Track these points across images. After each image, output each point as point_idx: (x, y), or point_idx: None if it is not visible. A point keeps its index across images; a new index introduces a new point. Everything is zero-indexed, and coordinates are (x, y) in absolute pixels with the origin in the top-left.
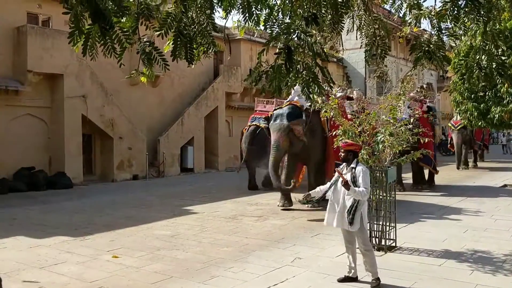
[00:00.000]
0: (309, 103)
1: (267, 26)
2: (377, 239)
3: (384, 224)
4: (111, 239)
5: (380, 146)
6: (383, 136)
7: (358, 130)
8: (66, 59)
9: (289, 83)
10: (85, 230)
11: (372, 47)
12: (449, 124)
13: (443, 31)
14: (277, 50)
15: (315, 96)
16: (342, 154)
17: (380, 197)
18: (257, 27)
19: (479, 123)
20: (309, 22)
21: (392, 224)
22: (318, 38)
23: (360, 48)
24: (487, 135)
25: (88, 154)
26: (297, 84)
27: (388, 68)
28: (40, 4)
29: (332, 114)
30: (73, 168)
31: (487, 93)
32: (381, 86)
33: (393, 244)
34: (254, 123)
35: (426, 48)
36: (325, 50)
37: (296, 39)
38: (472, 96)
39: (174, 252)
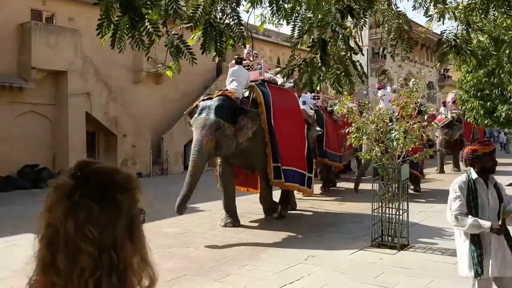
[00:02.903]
0: (247, 94)
1: (290, 21)
2: (389, 237)
3: (397, 222)
4: None
5: (394, 143)
6: (397, 133)
7: (372, 127)
8: (70, 56)
9: (321, 77)
10: None
11: (397, 41)
12: (433, 123)
13: (470, 26)
14: (310, 43)
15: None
16: (481, 162)
17: (393, 195)
18: (280, 22)
19: (485, 121)
20: (345, 14)
21: (405, 222)
22: (353, 31)
23: (381, 42)
24: (479, 134)
25: (92, 151)
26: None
27: (391, 67)
28: (44, 0)
29: (345, 111)
30: None
31: (493, 91)
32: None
33: (406, 242)
34: None
35: (453, 43)
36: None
37: (330, 31)
38: (478, 94)
39: (185, 249)
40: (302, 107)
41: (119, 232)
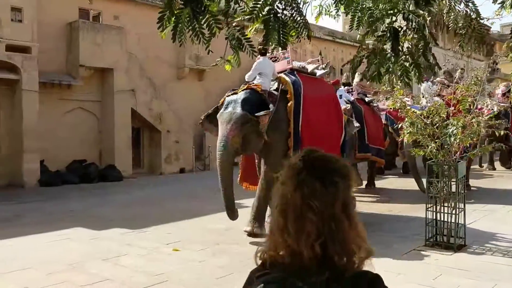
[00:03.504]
0: (276, 86)
1: (350, 11)
2: (444, 237)
3: (455, 221)
4: (167, 232)
5: (452, 139)
6: (455, 129)
7: (428, 122)
8: (116, 54)
9: (390, 69)
10: (141, 223)
11: (467, 30)
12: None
13: None
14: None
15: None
16: None
17: (449, 193)
18: (338, 13)
19: None
20: (420, 2)
21: (461, 222)
22: (428, 19)
23: (447, 32)
24: None
25: (136, 147)
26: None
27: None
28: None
29: (398, 105)
30: (122, 161)
31: None
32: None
33: (462, 243)
34: None
35: None
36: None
37: (402, 20)
38: None
39: (232, 246)
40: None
41: (337, 208)
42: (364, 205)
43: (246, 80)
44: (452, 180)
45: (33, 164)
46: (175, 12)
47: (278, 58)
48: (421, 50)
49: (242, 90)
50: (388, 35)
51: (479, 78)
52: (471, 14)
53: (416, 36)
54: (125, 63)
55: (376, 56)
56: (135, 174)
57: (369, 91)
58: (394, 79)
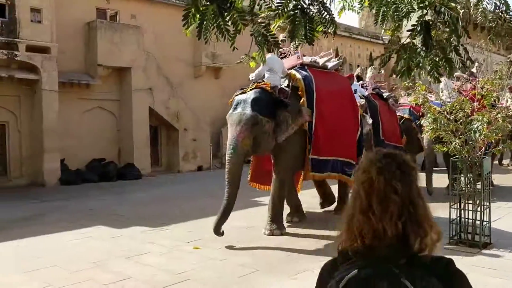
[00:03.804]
0: (287, 83)
1: (374, 5)
2: (469, 235)
3: (480, 219)
4: (188, 230)
5: (477, 134)
6: (480, 124)
7: (451, 117)
8: (134, 53)
9: (420, 64)
10: (161, 221)
11: (497, 23)
12: None
13: None
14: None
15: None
16: None
17: (474, 190)
18: (362, 8)
19: None
20: None
21: (486, 219)
22: (462, 12)
23: (472, 26)
24: None
25: (154, 145)
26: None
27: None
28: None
29: (420, 101)
30: (141, 160)
31: None
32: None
33: (488, 241)
34: (398, 114)
35: None
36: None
37: (434, 13)
38: None
39: (253, 244)
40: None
41: (414, 191)
42: None
43: (253, 79)
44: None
45: (53, 163)
46: (201, 9)
47: (286, 53)
48: (453, 44)
49: (251, 89)
50: (419, 28)
51: (503, 73)
52: (501, 6)
53: (447, 29)
54: (142, 62)
55: (406, 51)
56: (153, 172)
57: (383, 86)
58: (423, 75)
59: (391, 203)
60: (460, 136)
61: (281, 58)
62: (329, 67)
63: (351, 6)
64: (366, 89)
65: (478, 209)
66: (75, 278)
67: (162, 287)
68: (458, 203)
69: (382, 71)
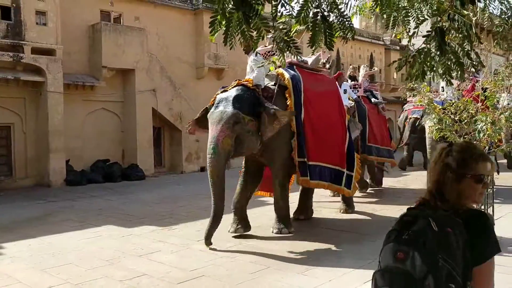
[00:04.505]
0: (275, 81)
1: (386, 10)
2: None
3: None
4: (196, 229)
5: (481, 135)
6: (484, 124)
7: (456, 118)
8: (138, 55)
9: (434, 68)
10: (169, 220)
11: (503, 28)
12: None
13: None
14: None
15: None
16: None
17: None
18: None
19: None
20: (464, 2)
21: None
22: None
23: (479, 29)
24: None
25: (157, 146)
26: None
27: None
28: (112, 1)
29: (426, 102)
30: (145, 160)
31: None
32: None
33: None
34: (414, 115)
35: None
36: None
37: (447, 20)
38: None
39: (262, 242)
40: (343, 95)
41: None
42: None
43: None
44: None
45: (59, 164)
46: (228, 15)
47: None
48: (466, 49)
49: (233, 87)
50: (434, 34)
51: (506, 74)
52: (507, 11)
53: (460, 35)
54: (146, 64)
55: (420, 55)
56: (157, 173)
57: (375, 88)
58: (436, 78)
59: (463, 186)
60: (465, 136)
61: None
62: (309, 63)
63: (363, 10)
64: (358, 91)
65: (482, 207)
66: (90, 275)
67: (178, 283)
68: None
69: (375, 68)
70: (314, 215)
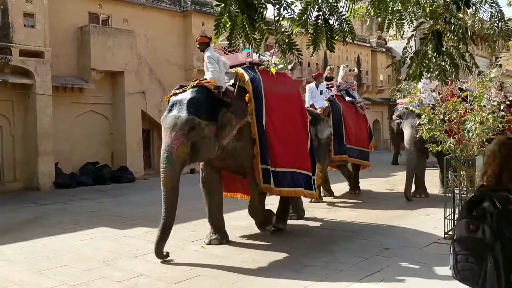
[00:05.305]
0: (233, 81)
1: (380, 12)
2: None
3: None
4: (190, 230)
5: (470, 134)
6: (473, 124)
7: (445, 118)
8: (126, 57)
9: (431, 69)
10: None
11: (494, 30)
12: None
13: None
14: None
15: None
16: None
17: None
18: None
19: None
20: (459, 5)
21: None
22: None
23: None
24: None
25: (146, 149)
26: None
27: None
28: (100, 3)
29: (416, 103)
30: (134, 163)
31: None
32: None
33: None
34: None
35: None
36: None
37: (444, 23)
38: None
39: (256, 242)
40: (319, 97)
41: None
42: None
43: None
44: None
45: (48, 167)
46: (233, 18)
47: (235, 49)
48: (461, 52)
49: (190, 88)
50: (431, 36)
51: (494, 76)
52: (497, 15)
53: (455, 38)
54: (135, 66)
55: (418, 56)
56: (146, 175)
57: (352, 87)
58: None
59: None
60: (454, 136)
61: (229, 53)
62: (263, 61)
63: (357, 13)
64: (331, 90)
65: None
66: (87, 276)
67: (175, 283)
68: (452, 199)
69: (355, 69)
70: (306, 215)
